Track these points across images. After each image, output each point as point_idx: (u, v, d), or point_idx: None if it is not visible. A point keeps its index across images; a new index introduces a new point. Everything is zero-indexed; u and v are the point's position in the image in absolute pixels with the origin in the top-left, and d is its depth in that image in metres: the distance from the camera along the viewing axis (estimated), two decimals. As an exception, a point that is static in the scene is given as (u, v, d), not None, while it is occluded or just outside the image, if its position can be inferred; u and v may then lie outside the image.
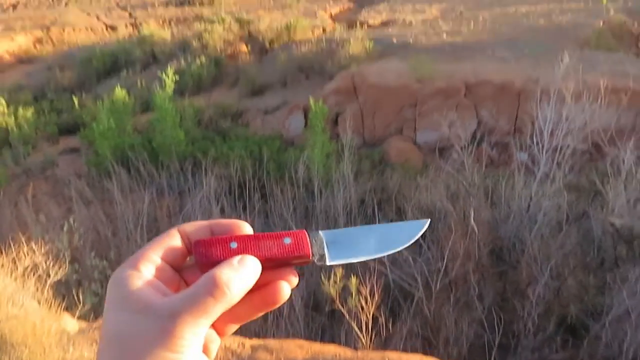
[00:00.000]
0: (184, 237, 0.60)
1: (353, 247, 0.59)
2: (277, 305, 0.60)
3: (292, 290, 0.60)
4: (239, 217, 5.93)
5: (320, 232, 0.59)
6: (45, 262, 4.85)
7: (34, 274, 4.63)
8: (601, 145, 7.93)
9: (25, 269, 4.61)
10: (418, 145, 11.41)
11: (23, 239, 5.01)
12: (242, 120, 14.30)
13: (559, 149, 7.14)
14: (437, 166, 8.99)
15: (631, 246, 6.10)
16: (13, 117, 14.45)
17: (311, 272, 6.17)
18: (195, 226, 0.60)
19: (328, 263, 0.57)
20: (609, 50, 14.57)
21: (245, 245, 0.57)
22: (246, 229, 0.60)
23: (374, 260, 5.77)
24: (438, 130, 10.11)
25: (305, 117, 11.89)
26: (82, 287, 5.83)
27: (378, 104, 12.02)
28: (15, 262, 4.69)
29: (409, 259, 5.90)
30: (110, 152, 10.26)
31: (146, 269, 0.57)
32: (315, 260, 0.57)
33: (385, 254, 0.58)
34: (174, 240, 0.59)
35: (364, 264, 5.68)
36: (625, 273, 5.44)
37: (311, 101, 9.62)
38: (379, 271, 5.48)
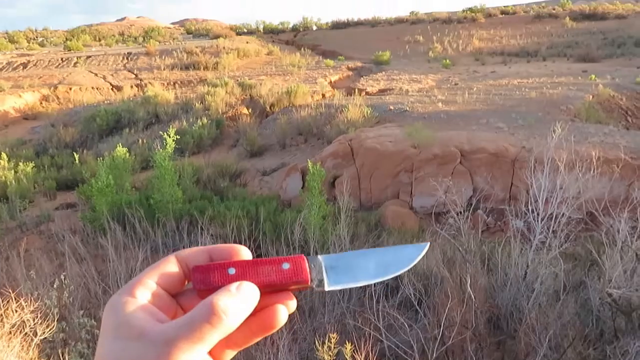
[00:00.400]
0: (182, 263, 0.60)
1: (352, 272, 0.58)
2: (275, 330, 0.59)
3: (290, 314, 0.60)
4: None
5: (319, 257, 0.59)
6: (33, 320, 4.73)
7: (20, 332, 4.51)
8: (596, 215, 7.98)
9: (12, 326, 4.49)
10: (414, 210, 11.47)
11: (12, 295, 4.91)
12: (241, 181, 14.44)
13: (554, 217, 7.18)
14: (433, 231, 8.99)
15: (630, 318, 6.01)
16: (13, 172, 14.55)
17: (305, 337, 6.02)
18: (193, 252, 0.60)
19: (327, 288, 0.58)
20: (599, 123, 15.01)
21: (244, 271, 0.57)
22: (245, 254, 0.61)
23: (368, 325, 5.67)
24: (434, 195, 10.20)
25: (303, 179, 12.03)
26: (68, 347, 5.65)
27: (375, 168, 12.20)
28: (2, 319, 4.57)
29: (405, 326, 5.77)
30: (107, 208, 10.26)
31: (142, 295, 0.56)
32: (314, 286, 0.58)
33: (385, 278, 0.58)
34: (170, 266, 0.59)
35: (358, 328, 5.56)
36: (626, 346, 5.32)
37: (309, 163, 9.77)
38: (374, 337, 5.35)
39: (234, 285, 0.56)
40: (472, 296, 5.79)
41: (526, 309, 6.04)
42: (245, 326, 0.57)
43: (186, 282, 0.61)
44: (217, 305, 0.54)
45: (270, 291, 0.58)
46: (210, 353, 0.56)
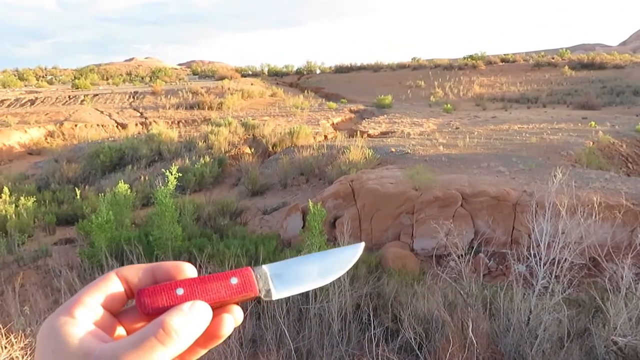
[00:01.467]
0: (123, 280, 0.58)
1: (297, 278, 0.58)
2: (220, 340, 0.57)
3: (237, 327, 0.58)
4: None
5: (264, 267, 0.59)
6: (22, 357, 4.61)
7: (8, 369, 4.39)
8: (599, 261, 7.89)
9: (1, 363, 4.37)
10: (415, 252, 11.37)
11: (3, 331, 4.81)
12: (241, 219, 14.39)
13: (556, 262, 7.10)
14: (434, 274, 8.88)
15: (637, 368, 5.84)
16: (14, 206, 14.55)
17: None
18: (134, 269, 0.58)
19: (274, 297, 0.58)
20: (600, 169, 15.07)
21: (192, 290, 0.56)
22: (189, 272, 0.59)
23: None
24: (435, 237, 10.13)
25: (304, 218, 11.99)
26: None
27: (376, 209, 12.18)
28: (-9, 355, 4.46)
29: (405, 371, 5.62)
30: (106, 244, 10.20)
31: (82, 314, 0.53)
32: (262, 296, 0.57)
33: (328, 280, 0.59)
34: (111, 284, 0.57)
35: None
36: (633, 397, 5.15)
37: (310, 203, 9.76)
38: (373, 383, 5.19)
39: (186, 305, 0.55)
40: (474, 341, 5.66)
41: (530, 356, 5.88)
42: None
43: (127, 301, 0.59)
44: (169, 324, 0.52)
45: (219, 306, 0.57)
46: None
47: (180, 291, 0.55)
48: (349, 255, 0.62)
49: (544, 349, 6.07)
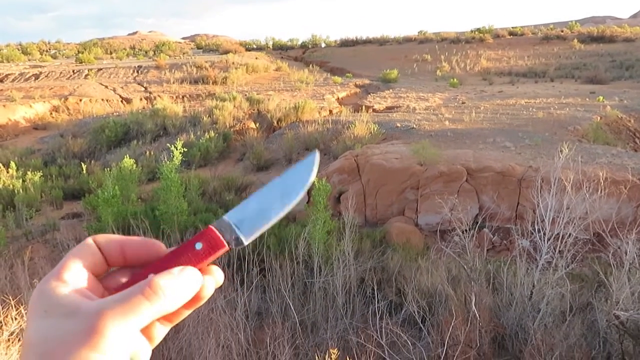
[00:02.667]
0: (101, 247, 0.60)
1: (262, 214, 0.57)
2: (202, 302, 0.59)
3: (218, 287, 0.59)
4: (236, 291, 5.79)
5: (225, 217, 0.57)
6: (33, 328, 4.70)
7: (19, 340, 4.49)
8: (603, 236, 7.91)
9: (11, 334, 4.47)
10: (419, 227, 11.41)
11: (13, 303, 4.90)
12: (246, 194, 14.45)
13: (560, 237, 7.12)
14: (438, 249, 8.94)
15: (638, 341, 5.90)
16: (21, 180, 14.66)
17: (306, 352, 5.95)
18: (106, 239, 0.60)
19: (246, 243, 0.57)
20: (607, 144, 14.95)
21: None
22: (160, 249, 0.60)
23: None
24: (440, 213, 10.16)
25: (309, 193, 12.02)
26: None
27: (381, 184, 12.19)
28: (1, 327, 4.55)
29: (408, 344, 5.70)
30: (113, 219, 10.28)
31: (70, 277, 0.56)
32: (234, 246, 0.57)
33: (292, 204, 0.58)
34: (91, 249, 0.59)
35: (361, 345, 5.49)
36: (633, 370, 5.22)
37: (315, 179, 9.76)
38: (376, 354, 5.29)
39: (177, 269, 0.56)
40: (477, 315, 5.72)
41: (532, 330, 5.95)
42: None
43: (108, 267, 0.60)
44: (156, 282, 0.53)
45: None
46: (142, 330, 0.55)
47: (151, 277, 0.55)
48: (306, 167, 0.60)
49: (545, 322, 6.14)
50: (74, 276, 0.56)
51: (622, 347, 5.93)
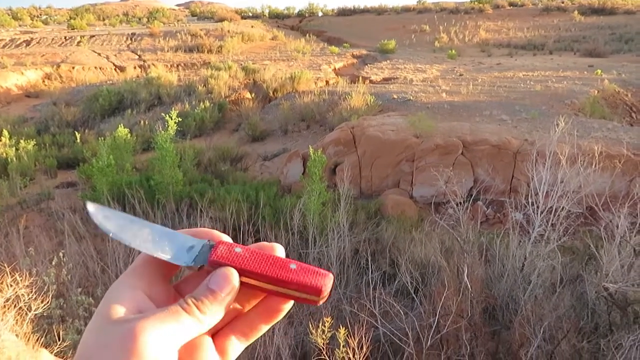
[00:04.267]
0: None
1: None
2: (281, 316, 0.59)
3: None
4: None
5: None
6: (28, 295, 4.74)
7: (14, 307, 4.53)
8: (595, 210, 7.98)
9: (7, 300, 4.50)
10: (414, 199, 11.47)
11: (8, 270, 4.93)
12: (241, 165, 14.43)
13: (553, 210, 7.17)
14: (433, 221, 9.00)
15: (625, 312, 6.02)
16: (14, 149, 14.55)
17: (300, 321, 6.05)
18: None
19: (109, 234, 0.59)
20: (603, 118, 14.93)
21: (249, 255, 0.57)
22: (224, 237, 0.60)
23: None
24: (434, 185, 10.20)
25: (304, 165, 12.01)
26: (66, 323, 5.68)
27: (376, 156, 12.18)
28: (-3, 293, 4.59)
29: (401, 313, 5.80)
30: (107, 188, 10.27)
31: (135, 280, 0.56)
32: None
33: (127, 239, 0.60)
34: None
35: (354, 314, 5.58)
36: (620, 340, 5.33)
37: (310, 150, 9.74)
38: (369, 323, 5.38)
39: (212, 282, 0.55)
40: (469, 286, 5.81)
41: (522, 301, 6.06)
42: (249, 313, 0.58)
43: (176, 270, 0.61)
44: (193, 298, 0.54)
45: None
46: (216, 344, 0.56)
47: (238, 249, 0.56)
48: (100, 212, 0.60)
49: (536, 294, 6.24)
50: (140, 280, 0.57)
51: (610, 318, 6.05)
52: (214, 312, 0.54)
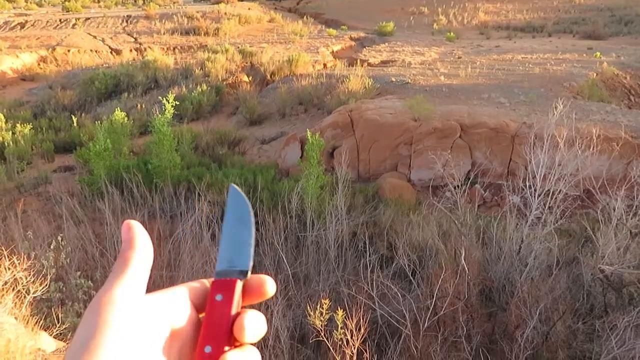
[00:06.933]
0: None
1: (239, 246, 0.61)
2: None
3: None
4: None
5: (218, 269, 0.60)
6: (26, 278, 4.76)
7: (13, 289, 4.55)
8: (592, 192, 8.01)
9: (5, 283, 4.52)
10: (412, 183, 11.48)
11: (5, 253, 4.94)
12: (239, 149, 14.39)
13: (551, 193, 7.20)
14: (430, 204, 9.03)
15: (620, 294, 6.09)
16: (11, 133, 14.47)
17: (299, 303, 6.09)
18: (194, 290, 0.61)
19: (249, 271, 0.59)
20: (602, 101, 14.89)
21: (217, 345, 0.55)
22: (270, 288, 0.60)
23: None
24: (432, 168, 10.20)
25: (302, 148, 11.98)
26: (65, 307, 5.72)
27: (374, 140, 12.15)
28: (-5, 276, 4.60)
29: (398, 296, 5.85)
30: (105, 172, 10.25)
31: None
32: (242, 278, 0.59)
33: (252, 222, 0.61)
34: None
35: (352, 297, 5.63)
36: (614, 321, 5.40)
37: (308, 133, 9.71)
38: (367, 306, 5.42)
39: None
40: (466, 268, 5.85)
41: (518, 283, 6.11)
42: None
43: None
44: None
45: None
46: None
47: (208, 349, 0.55)
48: (236, 196, 0.63)
49: (532, 276, 6.29)
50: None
51: (605, 300, 6.12)
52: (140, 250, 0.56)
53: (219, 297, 0.57)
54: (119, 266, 0.54)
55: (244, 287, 0.59)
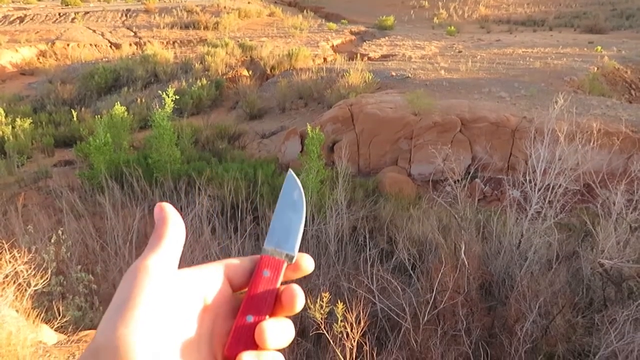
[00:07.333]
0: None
1: (289, 230, 0.64)
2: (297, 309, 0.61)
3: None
4: (230, 239, 5.86)
5: (266, 247, 0.62)
6: (27, 271, 4.77)
7: (14, 283, 4.56)
8: (592, 187, 8.01)
9: (6, 276, 4.53)
10: (412, 177, 11.48)
11: (6, 247, 4.95)
12: (239, 143, 14.38)
13: (551, 188, 7.20)
14: (430, 198, 9.03)
15: (620, 288, 6.10)
16: (10, 127, 14.46)
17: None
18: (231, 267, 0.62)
19: (295, 256, 0.62)
20: (602, 95, 14.87)
21: (258, 310, 0.59)
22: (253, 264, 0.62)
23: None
24: (433, 163, 10.20)
25: (302, 143, 11.98)
26: (66, 300, 5.73)
27: (374, 134, 12.14)
28: (-4, 270, 4.61)
29: (398, 289, 5.86)
30: (105, 166, 10.25)
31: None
32: (288, 262, 0.62)
33: (304, 208, 0.65)
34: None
35: (352, 291, 5.64)
36: (613, 315, 5.41)
37: (308, 128, 9.70)
38: (367, 299, 5.44)
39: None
40: (466, 263, 5.86)
41: (518, 277, 6.12)
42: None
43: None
44: None
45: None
46: None
47: (250, 318, 0.58)
48: (292, 181, 0.66)
49: (532, 270, 6.30)
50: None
51: (605, 294, 6.13)
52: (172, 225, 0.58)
53: (266, 273, 0.60)
54: (153, 240, 0.57)
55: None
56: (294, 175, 0.66)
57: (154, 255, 0.55)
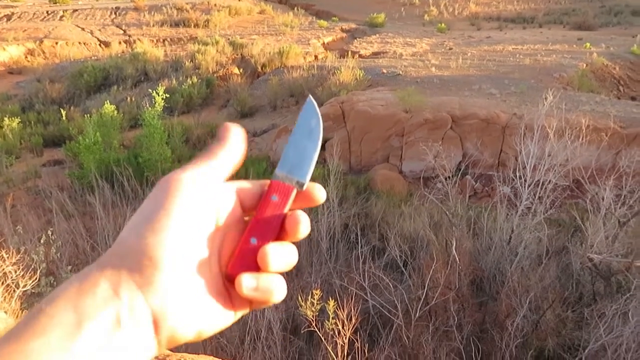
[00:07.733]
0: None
1: (303, 157, 0.63)
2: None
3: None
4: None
5: (277, 172, 0.61)
6: (15, 272, 4.73)
7: (2, 283, 4.52)
8: (582, 182, 8.08)
9: (-5, 274, 4.50)
10: (403, 174, 11.51)
11: (-5, 248, 4.91)
12: (230, 141, 14.32)
13: (541, 183, 7.26)
14: (422, 195, 9.06)
15: (609, 282, 6.16)
16: (-2, 127, 14.32)
17: (290, 295, 6.10)
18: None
19: (306, 184, 0.61)
20: (591, 91, 14.99)
21: (263, 234, 0.58)
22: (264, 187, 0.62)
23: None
24: (424, 160, 10.23)
25: (293, 141, 11.95)
26: (56, 301, 5.68)
27: (366, 131, 12.16)
28: (-16, 271, 4.57)
29: (390, 286, 5.88)
30: (95, 166, 10.18)
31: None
32: (298, 188, 0.61)
33: (320, 136, 0.63)
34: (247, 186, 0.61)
35: (344, 288, 5.65)
36: (603, 309, 5.47)
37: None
38: (359, 296, 5.45)
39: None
40: (457, 259, 5.89)
41: (509, 272, 6.16)
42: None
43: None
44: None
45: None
46: None
47: (253, 240, 0.57)
48: (310, 108, 0.64)
49: (522, 265, 6.35)
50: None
51: (594, 288, 6.19)
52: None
53: (274, 198, 0.60)
54: (201, 156, 0.57)
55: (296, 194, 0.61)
56: (314, 101, 0.65)
57: (192, 170, 0.55)
